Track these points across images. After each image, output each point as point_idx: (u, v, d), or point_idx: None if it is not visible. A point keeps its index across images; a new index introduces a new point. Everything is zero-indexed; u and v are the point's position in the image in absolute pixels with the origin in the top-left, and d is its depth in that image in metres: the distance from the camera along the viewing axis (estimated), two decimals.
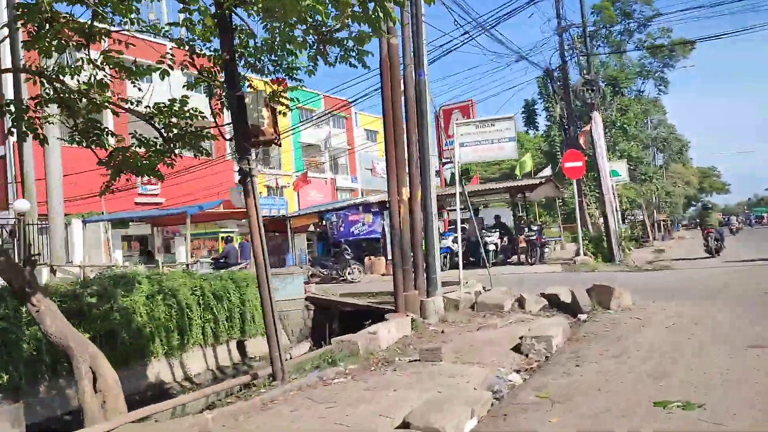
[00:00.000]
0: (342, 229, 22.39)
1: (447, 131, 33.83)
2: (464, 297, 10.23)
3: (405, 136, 9.51)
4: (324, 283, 20.68)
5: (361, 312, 13.68)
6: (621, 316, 9.02)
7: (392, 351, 7.31)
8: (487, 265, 12.88)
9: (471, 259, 21.25)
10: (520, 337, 6.95)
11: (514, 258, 20.90)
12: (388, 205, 9.52)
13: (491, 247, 19.62)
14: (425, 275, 9.80)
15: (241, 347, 14.37)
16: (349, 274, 20.02)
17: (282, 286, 15.66)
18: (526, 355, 6.83)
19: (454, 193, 21.88)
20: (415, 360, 6.69)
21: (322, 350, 7.30)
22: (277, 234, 24.39)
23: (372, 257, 21.57)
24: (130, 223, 21.12)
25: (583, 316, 9.40)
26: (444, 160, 36.03)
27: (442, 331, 8.37)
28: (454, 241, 20.68)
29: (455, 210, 18.83)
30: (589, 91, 19.02)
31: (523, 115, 33.67)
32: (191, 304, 12.81)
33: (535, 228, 19.90)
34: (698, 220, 24.25)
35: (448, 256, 20.34)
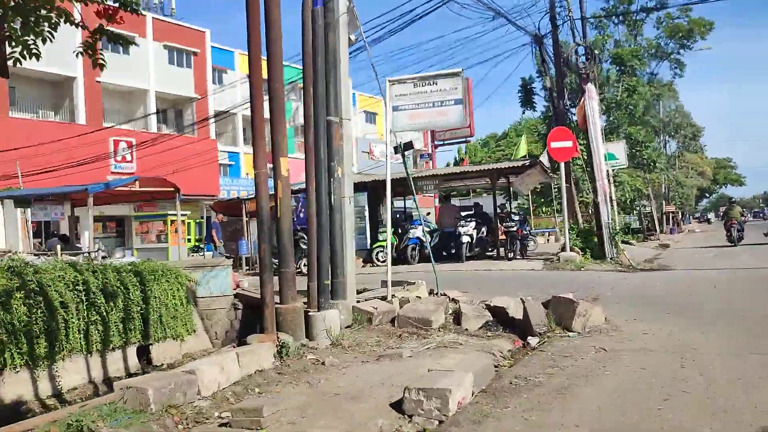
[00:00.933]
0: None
1: None
2: (382, 308, 7.72)
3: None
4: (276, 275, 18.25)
5: None
6: (582, 344, 6.48)
7: (219, 400, 4.82)
8: (432, 261, 10.38)
9: (444, 252, 18.74)
10: (406, 389, 4.42)
11: (496, 251, 18.36)
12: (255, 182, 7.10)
13: (465, 239, 17.09)
14: (320, 280, 7.29)
15: (144, 353, 11.98)
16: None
17: (204, 281, 13.27)
18: (410, 418, 4.32)
19: (427, 176, 19.42)
20: (225, 425, 4.21)
21: (84, 408, 4.76)
22: (226, 218, 21.98)
23: None
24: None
25: (533, 341, 6.88)
26: (437, 142, 33.48)
27: (323, 363, 5.87)
28: (425, 231, 18.19)
29: (432, 194, 16.21)
30: (583, 60, 16.34)
31: (520, 95, 30.95)
32: (69, 302, 10.37)
33: (516, 218, 17.32)
34: (723, 213, 27.55)
35: (417, 248, 17.84)
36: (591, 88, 15.86)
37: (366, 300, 8.45)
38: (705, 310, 8.37)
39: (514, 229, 16.81)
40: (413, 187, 10.00)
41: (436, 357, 6.06)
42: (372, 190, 19.19)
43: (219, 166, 47.59)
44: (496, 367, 5.87)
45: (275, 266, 6.83)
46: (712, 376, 4.96)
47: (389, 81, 8.73)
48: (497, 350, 6.47)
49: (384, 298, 9.62)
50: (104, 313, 10.95)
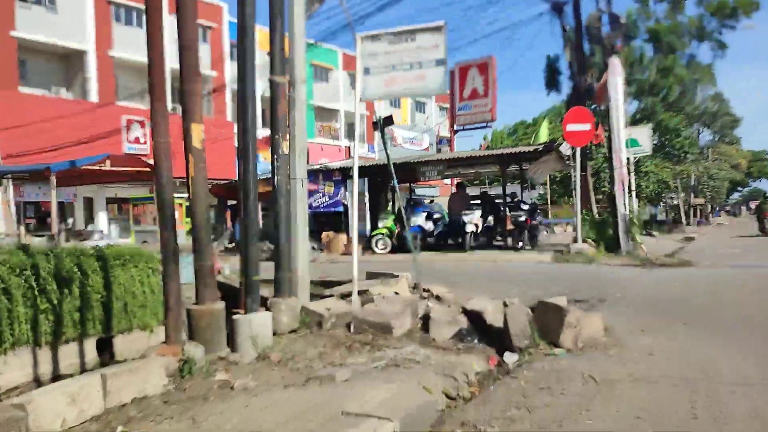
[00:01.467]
0: None
1: (462, 93, 29.79)
2: (337, 310, 6.47)
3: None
4: (270, 260, 17.12)
5: None
6: (569, 367, 5.16)
7: None
8: (414, 251, 9.14)
9: (451, 241, 17.46)
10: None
11: (505, 241, 16.96)
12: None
13: (470, 228, 15.74)
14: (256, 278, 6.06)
15: (105, 346, 10.92)
16: None
17: (182, 264, 12.12)
18: None
19: (430, 161, 18.03)
20: None
21: None
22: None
23: (330, 233, 17.88)
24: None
25: (510, 359, 5.58)
26: (457, 127, 31.98)
27: (232, 387, 4.64)
28: (428, 218, 16.91)
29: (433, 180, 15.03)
30: (608, 30, 14.77)
31: (546, 75, 29.32)
32: (13, 288, 9.31)
33: (525, 207, 15.91)
34: (756, 207, 28.78)
35: (419, 236, 16.55)
36: (615, 63, 14.31)
37: (323, 298, 7.23)
38: (729, 318, 6.98)
39: (523, 218, 15.43)
40: (392, 169, 8.70)
41: (379, 381, 4.79)
42: (373, 175, 17.91)
43: (236, 149, 46.57)
44: (451, 398, 4.61)
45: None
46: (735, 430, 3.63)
47: (360, 37, 7.39)
48: (461, 372, 5.18)
49: (358, 294, 8.43)
50: (56, 302, 9.90)
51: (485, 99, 28.92)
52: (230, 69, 45.44)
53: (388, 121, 8.57)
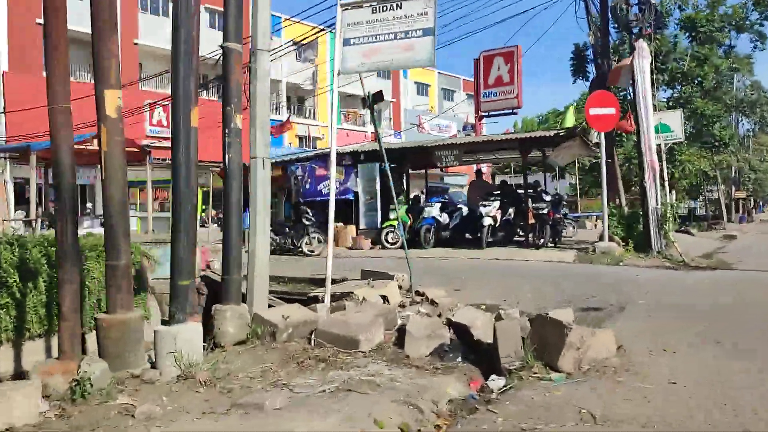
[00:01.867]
0: (308, 186, 17.76)
1: (487, 81, 28.58)
2: (296, 318, 5.49)
3: None
4: (274, 254, 16.23)
5: None
6: (563, 399, 4.09)
7: None
8: (404, 248, 8.17)
9: (468, 235, 16.37)
10: None
11: (526, 237, 15.77)
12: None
13: (487, 221, 14.61)
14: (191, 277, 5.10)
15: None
16: (306, 244, 15.51)
17: (165, 259, 11.29)
18: None
19: (444, 145, 16.89)
20: None
21: None
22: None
23: (338, 224, 16.89)
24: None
25: (495, 384, 4.53)
26: (482, 113, 30.82)
27: (133, 415, 3.70)
28: (443, 210, 15.84)
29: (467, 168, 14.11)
30: (636, 12, 13.48)
31: (572, 62, 27.87)
32: None
33: (548, 198, 14.70)
34: None
35: (432, 230, 15.49)
36: (643, 46, 13.00)
37: (291, 302, 6.26)
38: None
39: (545, 211, 14.23)
40: (383, 151, 7.68)
41: (321, 410, 3.81)
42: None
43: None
44: None
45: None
46: None
47: (341, 5, 6.38)
48: (430, 400, 4.17)
49: (338, 299, 7.47)
50: (18, 295, 9.12)
51: (511, 86, 27.82)
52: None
53: (378, 97, 7.54)
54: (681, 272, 11.12)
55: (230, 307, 5.25)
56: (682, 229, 20.39)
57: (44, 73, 4.35)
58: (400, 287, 8.60)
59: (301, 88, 51.63)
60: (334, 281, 10.09)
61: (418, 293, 8.15)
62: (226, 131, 5.36)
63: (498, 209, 14.87)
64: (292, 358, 4.94)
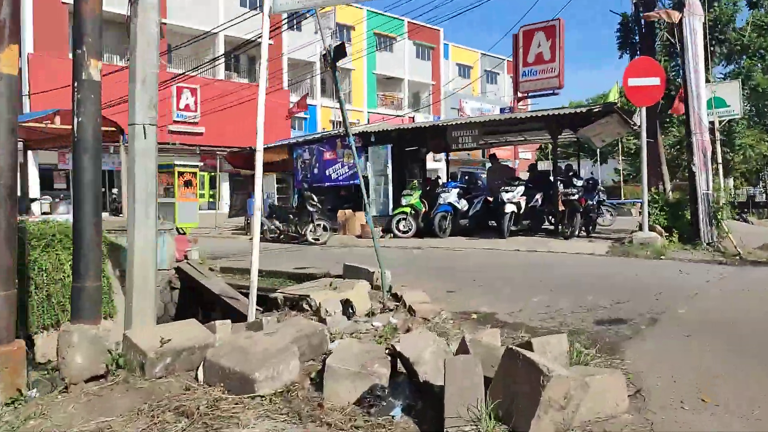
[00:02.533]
0: (316, 170, 16.26)
1: (527, 58, 26.58)
2: (179, 343, 3.96)
3: None
4: (277, 242, 14.85)
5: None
6: None
7: None
8: (374, 239, 6.60)
9: (492, 223, 14.68)
10: None
11: (557, 226, 13.97)
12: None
13: (509, 209, 12.87)
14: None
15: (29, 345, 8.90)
16: (310, 232, 14.05)
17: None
18: None
19: (461, 125, 15.09)
20: None
21: None
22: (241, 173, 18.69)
23: (347, 211, 15.37)
24: None
25: None
26: (521, 94, 28.85)
27: None
28: (463, 195, 14.16)
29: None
30: None
31: (618, 34, 25.64)
32: None
33: (579, 183, 12.85)
34: None
35: (449, 218, 13.83)
36: (695, 3, 11.02)
37: (208, 320, 4.75)
38: None
39: (576, 197, 12.40)
40: (347, 124, 6.08)
41: None
42: (398, 142, 15.21)
43: (293, 119, 44.77)
44: None
45: None
46: None
47: None
48: None
49: (293, 302, 5.98)
50: None
51: (552, 64, 25.69)
52: (287, 37, 43.47)
53: (340, 52, 5.91)
54: (735, 268, 9.22)
55: (79, 328, 3.77)
56: (740, 217, 18.15)
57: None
58: (377, 287, 7.04)
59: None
60: (312, 276, 8.61)
61: (395, 297, 6.58)
62: (75, 85, 3.85)
63: (522, 195, 13.10)
64: (151, 408, 3.42)
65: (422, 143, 15.93)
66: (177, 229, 17.74)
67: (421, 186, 14.98)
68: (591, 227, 13.40)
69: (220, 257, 11.47)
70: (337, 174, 15.67)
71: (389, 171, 14.74)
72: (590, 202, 12.85)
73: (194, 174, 18.79)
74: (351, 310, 5.94)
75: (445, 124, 14.27)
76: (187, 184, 18.41)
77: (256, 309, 5.62)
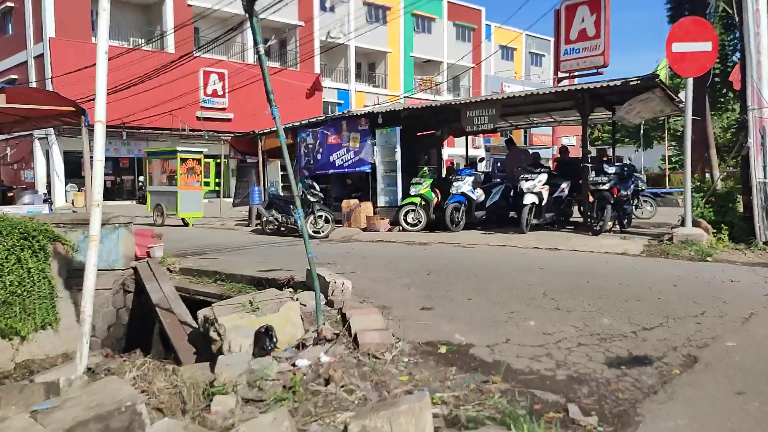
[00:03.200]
0: (320, 156, 14.75)
1: (569, 35, 24.48)
2: None
3: None
4: (277, 235, 13.47)
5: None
6: None
7: None
8: (305, 240, 5.05)
9: (513, 214, 13.02)
10: None
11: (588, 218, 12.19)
12: None
13: (529, 199, 11.16)
14: None
15: None
16: (310, 225, 12.62)
17: (84, 246, 8.72)
18: None
19: (478, 102, 13.28)
20: None
21: None
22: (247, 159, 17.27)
23: (352, 201, 13.84)
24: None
25: None
26: (561, 74, 26.77)
27: None
28: (477, 184, 12.55)
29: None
30: None
31: (669, 6, 23.47)
32: None
33: (611, 170, 11.02)
34: None
35: (462, 209, 12.22)
36: None
37: None
38: None
39: (606, 186, 10.60)
40: (268, 88, 4.55)
41: None
42: (408, 124, 13.55)
43: (326, 104, 43.43)
44: None
45: None
46: None
47: None
48: None
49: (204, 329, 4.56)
50: None
51: (596, 40, 23.40)
52: (318, 23, 42.02)
53: None
54: None
55: None
56: None
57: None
58: (330, 303, 5.53)
59: (372, 54, 48.45)
60: (272, 282, 7.15)
61: (344, 318, 5.04)
62: None
63: (545, 184, 11.36)
64: None
65: (437, 126, 14.26)
66: (184, 220, 16.60)
67: (433, 173, 13.36)
68: (626, 221, 11.58)
69: (194, 254, 10.12)
70: (342, 160, 14.13)
71: (398, 156, 13.12)
72: (624, 192, 11.00)
73: (198, 161, 17.54)
74: (270, 342, 4.44)
75: (458, 102, 12.55)
76: (191, 171, 17.18)
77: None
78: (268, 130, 15.94)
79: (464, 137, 16.14)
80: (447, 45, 52.66)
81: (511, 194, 12.57)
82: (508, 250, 9.80)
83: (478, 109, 12.03)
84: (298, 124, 15.09)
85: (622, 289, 6.38)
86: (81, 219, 8.99)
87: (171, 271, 8.71)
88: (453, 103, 12.76)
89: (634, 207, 12.90)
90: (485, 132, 15.65)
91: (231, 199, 18.56)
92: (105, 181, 18.56)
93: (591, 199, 11.12)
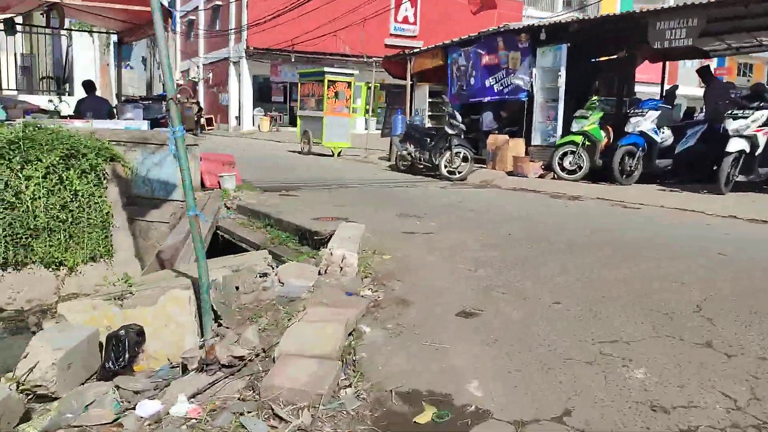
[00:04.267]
0: (472, 80, 12.22)
1: None
2: None
3: None
4: (409, 173, 11.49)
5: None
6: None
7: None
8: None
9: (714, 167, 9.65)
10: None
11: None
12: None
13: (734, 146, 7.93)
14: None
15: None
16: (445, 163, 10.49)
17: (144, 169, 7.56)
18: None
19: (670, 9, 9.53)
20: None
21: None
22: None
23: (498, 137, 11.28)
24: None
25: None
26: None
27: None
28: (666, 122, 9.48)
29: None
30: None
31: None
32: None
33: None
34: None
35: (638, 154, 9.27)
36: None
37: None
38: None
39: None
40: None
41: None
42: (581, 42, 10.48)
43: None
44: None
45: None
46: None
47: None
48: None
49: None
50: None
51: None
52: None
53: None
54: None
55: None
56: None
57: None
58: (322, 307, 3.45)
59: None
60: (316, 235, 5.16)
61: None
62: None
63: (763, 125, 7.99)
64: None
65: (620, 47, 11.03)
66: (331, 150, 15.17)
67: (608, 105, 10.34)
68: None
69: (282, 188, 8.44)
70: (501, 85, 11.52)
71: (562, 81, 10.24)
72: None
73: (348, 84, 15.86)
74: (122, 356, 2.48)
75: (645, 10, 9.24)
76: (338, 95, 15.58)
77: None
78: (419, 50, 13.69)
79: (661, 61, 12.41)
80: None
81: (709, 138, 9.21)
82: (686, 218, 6.86)
83: (675, 18, 8.67)
84: (449, 42, 12.64)
85: None
86: (140, 138, 7.66)
87: (228, 208, 7.11)
88: (637, 13, 9.45)
89: None
90: (683, 54, 11.98)
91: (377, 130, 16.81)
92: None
93: None
